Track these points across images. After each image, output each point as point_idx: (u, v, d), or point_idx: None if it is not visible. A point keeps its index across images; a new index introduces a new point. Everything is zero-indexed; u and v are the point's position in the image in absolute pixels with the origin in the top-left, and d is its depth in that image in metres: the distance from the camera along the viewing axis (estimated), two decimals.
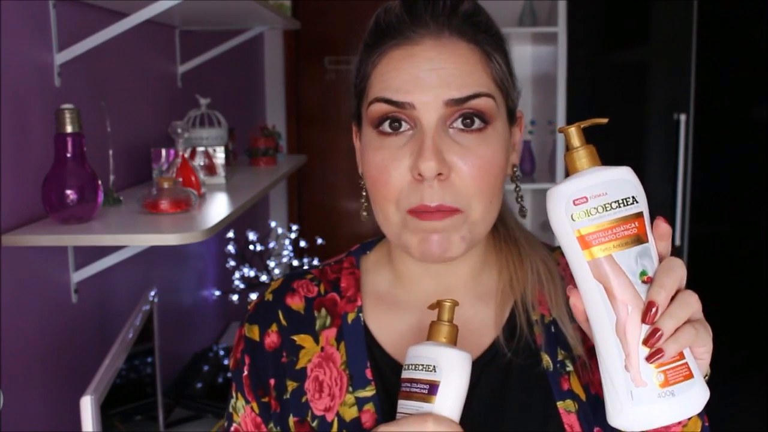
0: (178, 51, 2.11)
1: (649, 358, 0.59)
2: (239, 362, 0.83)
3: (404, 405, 0.68)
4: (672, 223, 2.83)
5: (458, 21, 0.73)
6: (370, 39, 0.77)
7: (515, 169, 0.80)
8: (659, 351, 0.59)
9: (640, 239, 0.61)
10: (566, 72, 2.89)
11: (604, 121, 0.66)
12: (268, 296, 0.85)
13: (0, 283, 1.17)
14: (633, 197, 0.61)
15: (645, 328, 0.60)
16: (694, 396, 0.60)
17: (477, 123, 0.72)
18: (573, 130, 0.64)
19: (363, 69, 0.77)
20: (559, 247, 0.84)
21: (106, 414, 1.10)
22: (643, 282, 0.61)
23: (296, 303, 0.83)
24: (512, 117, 0.77)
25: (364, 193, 0.80)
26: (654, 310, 0.59)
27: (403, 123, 0.72)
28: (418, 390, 0.68)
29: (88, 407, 1.04)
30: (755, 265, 2.84)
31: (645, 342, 0.60)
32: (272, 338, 0.82)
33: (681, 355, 0.60)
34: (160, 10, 1.37)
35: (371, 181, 0.74)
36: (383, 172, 0.72)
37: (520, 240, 0.82)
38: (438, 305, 0.71)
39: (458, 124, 0.72)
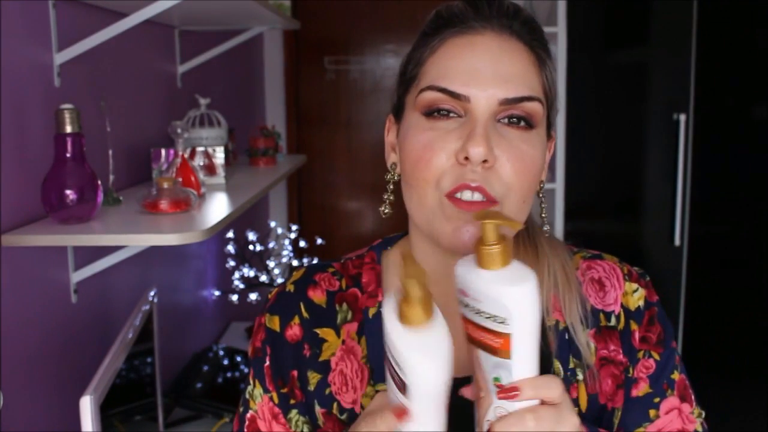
0: (177, 51, 2.11)
1: None
2: (260, 351, 0.84)
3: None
4: (672, 223, 2.83)
5: (519, 24, 0.75)
6: (429, 28, 0.77)
7: (541, 184, 0.79)
8: None
9: (498, 353, 0.62)
10: (566, 72, 2.89)
11: (519, 225, 0.66)
12: (290, 287, 0.85)
13: (0, 283, 1.17)
14: (504, 318, 0.61)
15: (491, 416, 0.64)
16: None
17: (523, 123, 0.73)
18: (490, 227, 0.62)
19: (417, 56, 0.77)
20: (579, 251, 0.84)
21: (106, 414, 1.10)
22: (496, 386, 0.63)
23: (318, 296, 0.84)
24: (550, 128, 0.78)
25: (391, 187, 0.81)
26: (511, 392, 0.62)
27: (452, 113, 0.73)
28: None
29: (87, 407, 1.04)
30: (755, 265, 2.84)
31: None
32: (294, 330, 0.82)
33: None
34: (160, 10, 1.37)
35: (412, 162, 0.74)
36: (428, 151, 0.72)
37: (540, 243, 0.82)
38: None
39: (505, 120, 0.73)
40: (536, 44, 0.75)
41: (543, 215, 0.81)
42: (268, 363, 0.83)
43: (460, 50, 0.73)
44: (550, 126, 0.78)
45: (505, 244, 0.61)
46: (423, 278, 0.58)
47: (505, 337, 0.61)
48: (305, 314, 0.83)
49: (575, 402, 0.76)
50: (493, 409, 0.63)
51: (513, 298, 0.60)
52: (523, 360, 0.62)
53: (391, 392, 0.63)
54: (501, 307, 0.60)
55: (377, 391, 0.77)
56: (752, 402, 2.77)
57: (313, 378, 0.81)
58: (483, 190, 0.71)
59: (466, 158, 0.70)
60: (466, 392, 0.66)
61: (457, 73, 0.72)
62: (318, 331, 0.82)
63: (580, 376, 0.77)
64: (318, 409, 0.80)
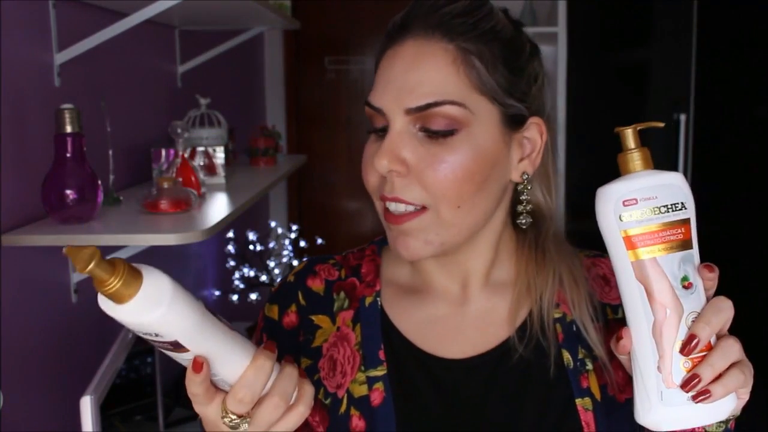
0: (178, 51, 2.11)
1: (695, 398, 0.61)
2: (258, 341, 0.85)
3: None
4: None
5: (438, 21, 0.73)
6: (381, 42, 0.79)
7: (525, 176, 0.77)
8: (706, 392, 0.61)
9: (684, 245, 0.63)
10: (566, 72, 2.89)
11: (661, 124, 0.67)
12: (291, 278, 0.87)
13: (0, 283, 1.17)
14: (682, 203, 0.63)
15: (681, 334, 0.62)
16: (722, 402, 0.63)
17: (442, 131, 0.72)
18: (629, 132, 0.65)
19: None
20: (582, 251, 0.85)
21: (106, 414, 1.10)
22: (684, 287, 0.63)
23: (317, 285, 0.85)
24: (514, 122, 0.75)
25: None
26: (694, 342, 0.61)
27: (385, 127, 0.75)
28: None
29: (87, 407, 1.04)
30: (755, 265, 2.84)
31: (681, 351, 0.62)
32: (291, 317, 0.84)
33: None
34: (160, 10, 1.37)
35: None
36: (365, 167, 0.77)
37: (548, 248, 0.81)
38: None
39: (424, 130, 0.73)
40: (462, 39, 0.72)
41: (519, 208, 0.80)
42: None
43: (385, 63, 0.76)
44: (514, 117, 0.75)
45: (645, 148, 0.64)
46: (95, 256, 0.57)
47: (687, 223, 0.63)
48: (302, 302, 0.84)
49: (587, 391, 0.76)
50: (685, 318, 0.62)
51: (683, 181, 0.63)
52: (697, 247, 0.64)
53: (182, 361, 0.62)
54: (679, 191, 0.63)
55: (368, 377, 0.78)
56: (752, 402, 2.77)
57: (303, 364, 0.82)
58: (399, 199, 0.73)
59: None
60: (626, 341, 0.64)
61: (377, 86, 0.75)
62: (313, 317, 0.83)
63: (590, 366, 0.78)
64: None
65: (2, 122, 1.18)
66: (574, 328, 0.78)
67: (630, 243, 0.63)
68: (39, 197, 1.21)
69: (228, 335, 0.62)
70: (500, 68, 0.73)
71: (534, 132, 0.78)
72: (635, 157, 0.64)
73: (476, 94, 0.72)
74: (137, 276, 0.58)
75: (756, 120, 2.83)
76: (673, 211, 0.62)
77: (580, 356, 0.78)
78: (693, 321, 0.62)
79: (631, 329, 0.64)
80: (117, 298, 0.58)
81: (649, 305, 0.63)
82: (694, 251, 0.64)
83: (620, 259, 0.64)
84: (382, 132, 0.75)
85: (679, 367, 0.62)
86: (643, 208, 0.62)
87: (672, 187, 0.63)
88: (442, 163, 0.71)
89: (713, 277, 0.64)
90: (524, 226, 0.80)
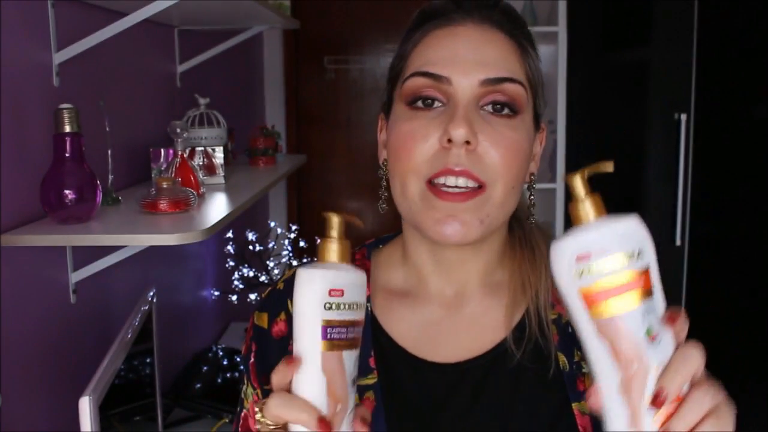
0: (177, 51, 2.11)
1: None
2: (248, 349, 0.85)
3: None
4: (672, 223, 2.83)
5: (499, 15, 0.76)
6: (413, 24, 0.79)
7: (532, 177, 0.80)
8: None
9: (645, 294, 0.59)
10: (566, 72, 2.88)
11: (610, 168, 0.63)
12: (280, 285, 0.86)
13: None
14: (639, 250, 0.59)
15: (650, 388, 0.59)
16: None
17: (507, 110, 0.73)
18: (576, 179, 0.61)
19: (402, 51, 0.79)
20: None
21: (105, 414, 1.10)
22: (650, 340, 0.59)
23: None
24: (537, 122, 0.78)
25: (384, 184, 0.81)
26: (663, 395, 0.58)
27: (436, 101, 0.73)
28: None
29: (86, 408, 1.03)
30: (755, 265, 2.84)
31: (651, 404, 0.59)
32: (280, 326, 0.83)
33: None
34: (160, 10, 1.36)
35: (395, 151, 0.75)
36: (410, 140, 0.73)
37: (538, 243, 0.81)
38: (325, 219, 0.64)
39: (489, 107, 0.73)
40: (517, 33, 0.76)
41: (530, 207, 0.81)
42: (252, 360, 0.84)
43: (441, 40, 0.75)
44: (538, 117, 0.78)
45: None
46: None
47: (646, 271, 0.59)
48: (292, 310, 0.83)
49: (582, 395, 0.76)
50: (653, 372, 0.59)
51: (639, 225, 0.59)
52: (660, 292, 0.60)
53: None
54: (635, 238, 0.58)
55: (358, 386, 0.77)
56: (752, 402, 2.77)
57: None
58: (468, 173, 0.71)
59: (449, 141, 0.70)
60: (594, 400, 0.61)
61: (438, 59, 0.74)
62: None
63: (586, 369, 0.77)
64: None
65: (1, 122, 1.17)
66: (570, 330, 0.78)
67: (589, 300, 0.59)
68: (38, 197, 1.21)
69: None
70: (536, 66, 0.78)
71: (542, 135, 0.81)
72: (586, 207, 0.60)
73: (529, 85, 0.76)
74: None
75: (756, 120, 2.83)
76: (630, 259, 0.58)
77: (576, 359, 0.77)
78: (661, 373, 0.59)
79: (600, 387, 0.61)
80: None
81: (615, 362, 0.59)
82: (656, 298, 0.60)
83: (580, 317, 0.60)
84: (430, 102, 0.73)
85: (651, 421, 0.59)
86: (598, 261, 0.58)
87: (626, 235, 0.59)
88: (507, 140, 0.72)
89: (679, 327, 0.61)
90: (532, 222, 0.82)
